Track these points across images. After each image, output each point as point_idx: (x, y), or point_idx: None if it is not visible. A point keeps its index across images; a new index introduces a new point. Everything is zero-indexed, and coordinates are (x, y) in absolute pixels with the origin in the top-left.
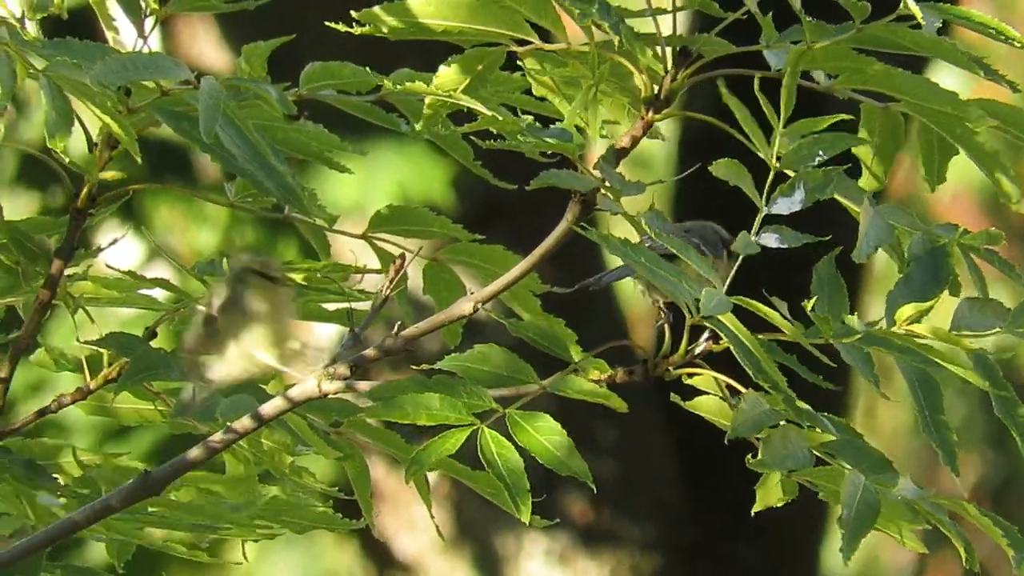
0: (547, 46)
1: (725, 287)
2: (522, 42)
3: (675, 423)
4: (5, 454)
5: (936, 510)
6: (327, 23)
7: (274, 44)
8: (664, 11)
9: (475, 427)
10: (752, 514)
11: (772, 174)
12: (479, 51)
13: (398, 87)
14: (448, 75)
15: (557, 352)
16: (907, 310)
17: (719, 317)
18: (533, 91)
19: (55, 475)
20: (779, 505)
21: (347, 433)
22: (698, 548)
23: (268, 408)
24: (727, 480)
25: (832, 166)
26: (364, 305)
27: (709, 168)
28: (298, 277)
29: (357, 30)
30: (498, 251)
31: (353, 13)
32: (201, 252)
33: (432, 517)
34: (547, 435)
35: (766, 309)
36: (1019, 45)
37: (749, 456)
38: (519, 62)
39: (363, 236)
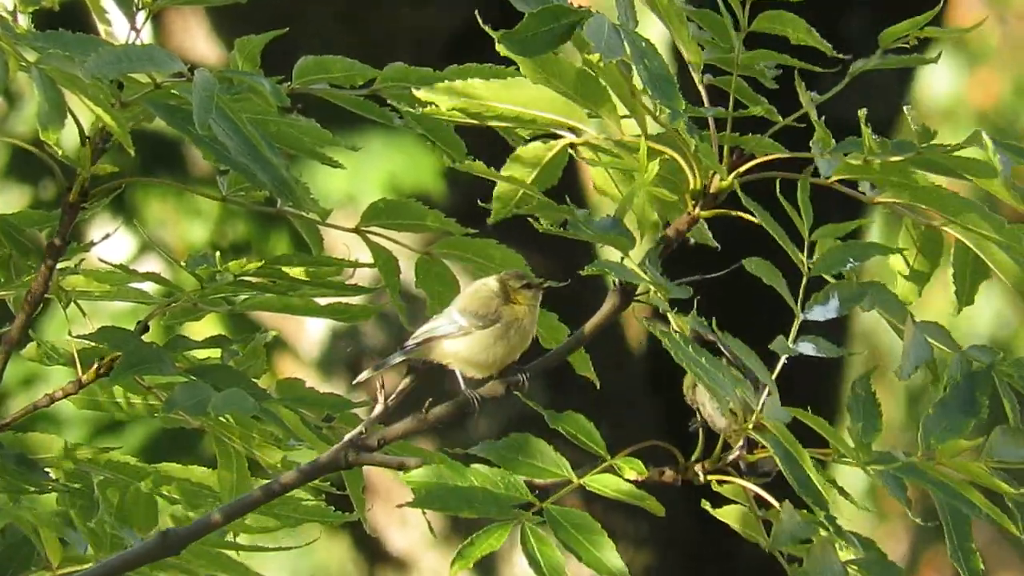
0: (602, 138)
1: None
2: (573, 130)
3: (670, 420)
4: None
5: None
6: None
7: (267, 37)
8: (724, 113)
9: (518, 522)
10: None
11: (805, 279)
12: (540, 146)
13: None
14: (517, 163)
15: (591, 448)
16: (951, 447)
17: (772, 428)
18: (593, 184)
19: (47, 469)
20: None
21: (339, 428)
22: (693, 545)
23: (287, 478)
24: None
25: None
26: (358, 299)
27: (745, 266)
28: (292, 272)
29: (419, 110)
30: (490, 244)
31: (415, 92)
32: (193, 246)
33: (424, 513)
34: (585, 534)
35: (822, 422)
36: None
37: (794, 568)
38: (571, 151)
39: (356, 230)
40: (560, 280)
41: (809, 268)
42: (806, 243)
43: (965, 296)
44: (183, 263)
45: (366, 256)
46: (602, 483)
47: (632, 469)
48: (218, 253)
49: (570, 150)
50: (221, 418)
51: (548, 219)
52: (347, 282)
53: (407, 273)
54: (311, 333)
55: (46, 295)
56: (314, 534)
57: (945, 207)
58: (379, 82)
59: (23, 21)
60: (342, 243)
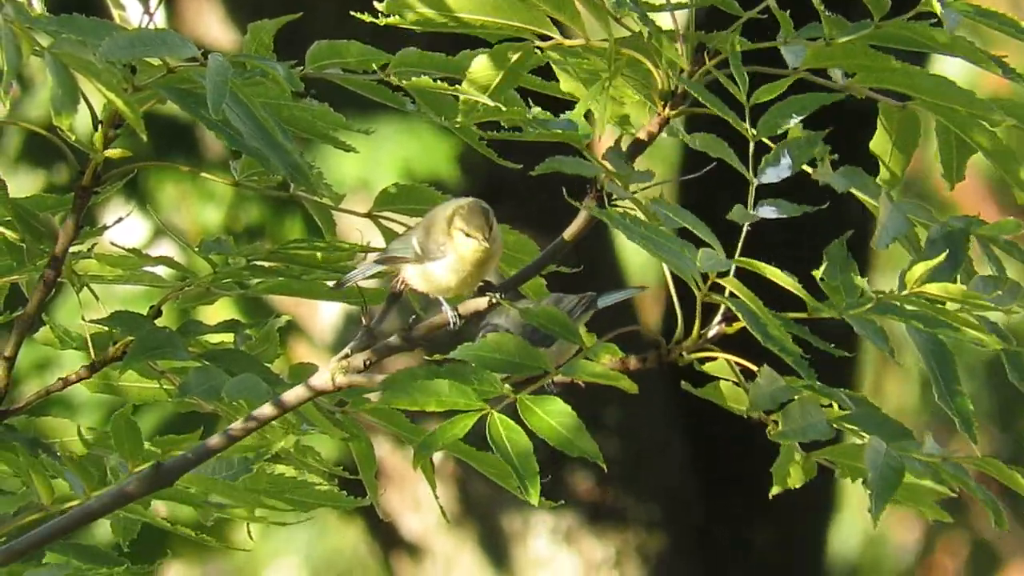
0: (569, 42)
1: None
2: (543, 37)
3: (683, 404)
4: (10, 432)
5: (959, 472)
6: (352, 12)
7: (280, 22)
8: (684, 6)
9: (484, 412)
10: (769, 496)
11: (752, 145)
12: (508, 46)
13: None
14: (480, 70)
15: (568, 337)
16: (917, 269)
17: (725, 282)
18: (562, 86)
19: (60, 453)
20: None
21: (352, 413)
22: (705, 529)
23: (289, 396)
24: (735, 461)
25: (849, 164)
26: (370, 283)
27: (698, 144)
28: (304, 256)
29: (382, 20)
30: (504, 230)
31: (377, 4)
32: (206, 230)
33: (436, 497)
34: (557, 417)
35: (771, 270)
36: None
37: (770, 427)
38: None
39: (369, 215)
40: (573, 266)
41: (754, 134)
42: (746, 108)
43: (955, 172)
44: (196, 247)
45: (379, 241)
46: (578, 369)
47: (608, 354)
48: (231, 237)
49: (539, 52)
50: (234, 403)
51: (500, 119)
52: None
53: None
54: (325, 318)
55: (59, 279)
56: (327, 527)
57: (915, 85)
58: (392, 67)
59: (37, 5)
60: (355, 228)
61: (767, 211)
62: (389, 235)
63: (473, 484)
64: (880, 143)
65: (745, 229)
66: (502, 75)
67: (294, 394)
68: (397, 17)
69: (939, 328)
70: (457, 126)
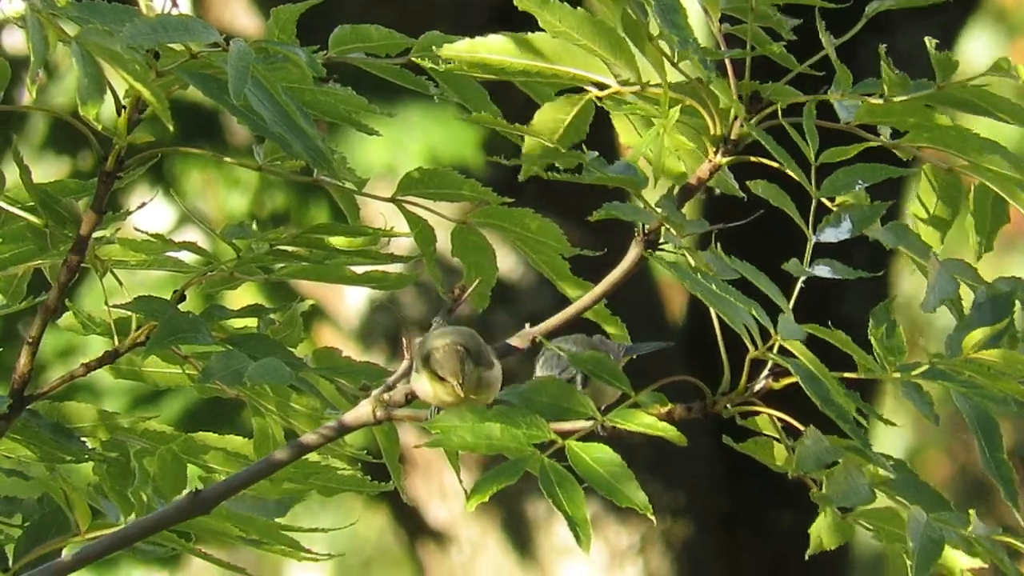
0: (625, 89)
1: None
2: (598, 85)
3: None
4: (34, 417)
5: (995, 547)
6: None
7: (303, 7)
8: (740, 54)
9: (536, 458)
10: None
11: (814, 203)
12: (567, 99)
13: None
14: (543, 120)
15: (615, 384)
16: (976, 335)
17: (788, 345)
18: (620, 139)
19: (83, 439)
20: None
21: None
22: (730, 516)
23: (322, 432)
24: None
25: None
26: (395, 268)
27: (760, 190)
28: (327, 241)
29: (443, 66)
30: (528, 214)
31: (435, 49)
32: (232, 216)
33: (461, 483)
34: (607, 466)
35: (838, 335)
36: None
37: (814, 490)
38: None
39: (392, 199)
40: (597, 249)
41: (816, 191)
42: (812, 168)
43: (985, 240)
44: (220, 232)
45: (403, 226)
46: (625, 418)
47: (657, 404)
48: (255, 222)
49: (597, 102)
50: (257, 388)
51: (563, 165)
52: (383, 251)
53: (443, 243)
54: (350, 303)
55: (83, 264)
56: (352, 516)
57: (965, 147)
58: (415, 51)
59: None
60: (380, 212)
61: (822, 270)
62: (413, 220)
63: None
64: (919, 207)
65: (799, 287)
66: (566, 126)
67: (328, 430)
68: (454, 64)
69: (988, 399)
70: (476, 116)
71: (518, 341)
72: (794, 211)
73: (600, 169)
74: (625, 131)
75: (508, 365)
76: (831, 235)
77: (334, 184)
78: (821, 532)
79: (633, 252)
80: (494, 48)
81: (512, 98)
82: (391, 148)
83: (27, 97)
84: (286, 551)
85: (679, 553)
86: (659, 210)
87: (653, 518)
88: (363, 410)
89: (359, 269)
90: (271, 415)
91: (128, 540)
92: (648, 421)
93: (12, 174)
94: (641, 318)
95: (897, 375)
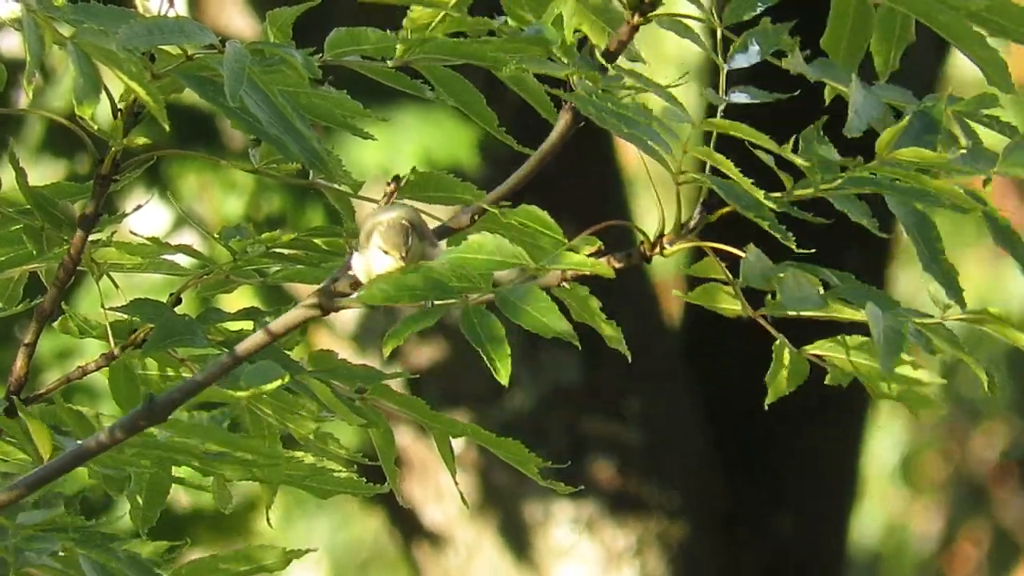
0: None
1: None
2: None
3: (703, 392)
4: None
5: (952, 339)
6: None
7: (299, 9)
8: None
9: (463, 302)
10: (791, 482)
11: (719, 31)
12: None
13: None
14: None
15: (551, 236)
16: (885, 135)
17: (703, 156)
18: (505, 12)
19: (78, 441)
20: (810, 472)
21: (372, 400)
22: (726, 517)
23: (279, 322)
24: (756, 449)
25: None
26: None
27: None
28: (324, 243)
29: None
30: (530, 212)
31: None
32: (228, 219)
33: (457, 485)
34: (533, 303)
35: (750, 130)
36: None
37: (768, 297)
38: None
39: (387, 201)
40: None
41: (720, 20)
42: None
43: (892, 59)
44: (216, 235)
45: None
46: (561, 260)
47: (588, 244)
48: (251, 225)
49: None
50: (254, 390)
51: (465, 30)
52: None
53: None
54: None
55: (78, 267)
56: (348, 518)
57: None
58: (409, 54)
59: None
60: None
61: (739, 96)
62: None
63: (494, 473)
64: (831, 41)
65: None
66: None
67: (283, 321)
68: None
69: (919, 197)
70: (477, 112)
71: (455, 222)
72: (704, 44)
73: (510, 33)
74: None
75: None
76: (742, 60)
77: (330, 187)
78: (778, 376)
79: (563, 118)
80: None
81: (507, 100)
82: (386, 150)
83: (23, 100)
84: (252, 463)
85: (676, 555)
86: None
87: (578, 344)
88: (309, 303)
89: None
90: (267, 417)
91: (88, 454)
92: (578, 259)
93: (8, 177)
94: (637, 320)
95: (823, 189)
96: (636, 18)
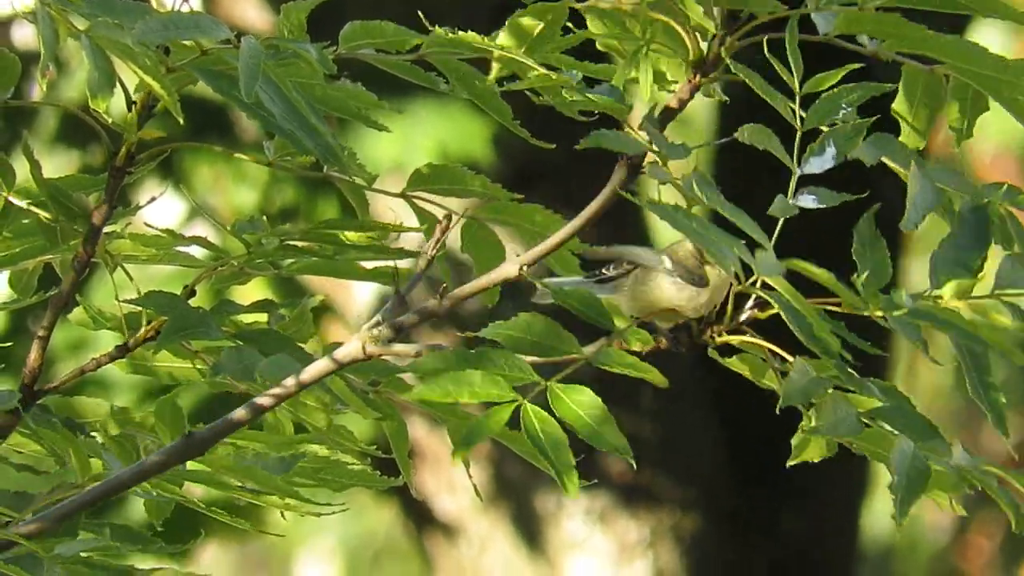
0: (603, 3)
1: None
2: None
3: (716, 387)
4: (44, 412)
5: (986, 476)
6: None
7: (313, 3)
8: None
9: (518, 403)
10: (802, 479)
11: (799, 134)
12: (541, 7)
13: (447, 37)
14: (513, 30)
15: (599, 322)
16: (950, 288)
17: (769, 280)
18: (598, 45)
19: (93, 433)
20: (821, 466)
21: (386, 392)
22: (740, 511)
23: (312, 370)
24: (768, 444)
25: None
26: (404, 264)
27: (746, 137)
28: (337, 236)
29: None
30: (536, 210)
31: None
32: (241, 211)
33: (470, 477)
34: (586, 408)
35: (819, 272)
36: None
37: (802, 424)
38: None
39: (402, 195)
40: (603, 244)
41: (802, 120)
42: (797, 96)
43: (966, 129)
44: (230, 228)
45: (413, 221)
46: (608, 358)
47: (638, 340)
48: (265, 217)
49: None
50: (268, 382)
51: (540, 86)
52: (393, 247)
53: (453, 238)
54: (359, 298)
55: (93, 259)
56: (361, 510)
57: (945, 51)
58: (425, 47)
59: None
60: (389, 208)
61: (807, 201)
62: (423, 215)
63: (507, 465)
64: (902, 106)
65: (781, 221)
66: (538, 32)
67: (324, 364)
68: None
69: (972, 341)
70: (491, 105)
71: (511, 269)
72: (780, 148)
73: (584, 93)
74: (604, 40)
75: (483, 308)
76: (816, 165)
77: (344, 180)
78: (802, 447)
79: (617, 176)
80: None
81: (520, 96)
82: (400, 144)
83: (37, 92)
84: (288, 504)
85: (688, 547)
86: (643, 136)
87: (633, 463)
88: (353, 346)
89: (368, 264)
90: (282, 410)
91: (124, 485)
92: (630, 361)
93: (22, 169)
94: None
95: (879, 313)
96: (697, 78)
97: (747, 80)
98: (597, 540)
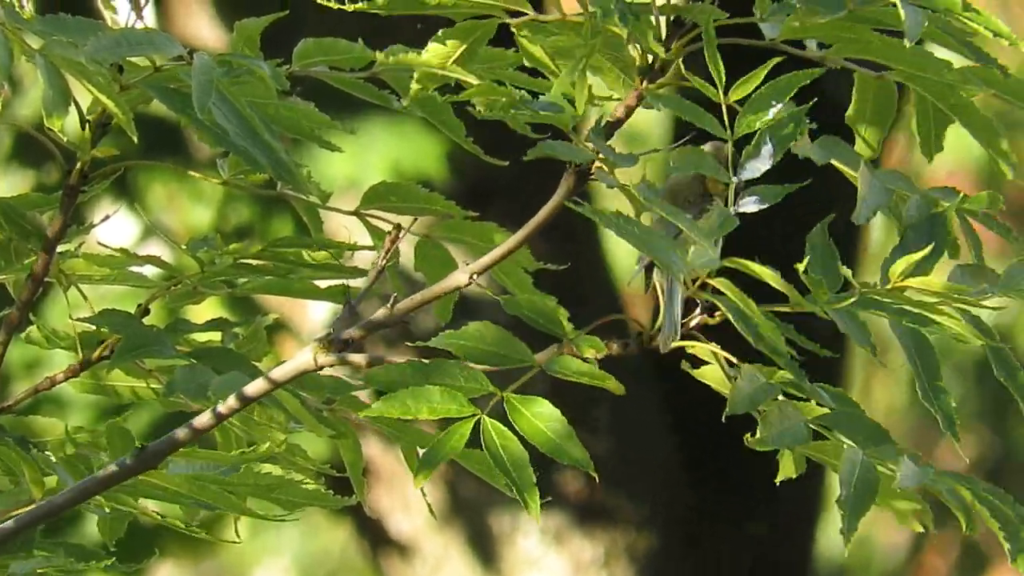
0: (542, 17)
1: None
2: (516, 14)
3: (671, 402)
4: None
5: (935, 482)
6: (320, 0)
7: (266, 21)
8: None
9: (477, 417)
10: (759, 493)
11: (730, 144)
12: (471, 23)
13: (390, 59)
14: (440, 48)
15: (551, 329)
16: (899, 265)
17: (714, 282)
18: (525, 62)
19: (47, 452)
20: (777, 484)
21: (340, 411)
22: (694, 528)
23: (261, 383)
24: (724, 459)
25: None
26: (358, 282)
27: (673, 162)
28: (291, 254)
29: (349, 7)
30: (491, 228)
31: None
32: (196, 229)
33: (425, 496)
34: (546, 421)
35: (760, 269)
36: (1010, 42)
37: (748, 435)
38: (515, 34)
39: (356, 212)
40: (559, 264)
41: (733, 130)
42: (723, 105)
43: (932, 143)
44: (184, 246)
45: (366, 239)
46: (561, 365)
47: (591, 347)
48: (219, 236)
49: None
50: (221, 401)
51: (483, 98)
52: (347, 265)
53: (407, 256)
54: (313, 316)
55: (46, 278)
56: (315, 529)
57: (892, 56)
58: (379, 64)
59: (27, 7)
60: (343, 226)
61: (748, 204)
62: (377, 233)
63: (462, 483)
64: (856, 114)
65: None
66: (463, 47)
67: (275, 374)
68: (364, 3)
69: (922, 325)
70: (444, 122)
71: (461, 278)
72: (715, 170)
73: (528, 106)
74: (537, 55)
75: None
76: (753, 169)
77: (298, 198)
78: (785, 463)
79: (564, 185)
80: None
81: (472, 114)
82: (354, 161)
83: None
84: (239, 511)
85: (643, 566)
86: (591, 146)
87: (596, 475)
88: (303, 357)
89: (323, 283)
90: (234, 428)
91: (76, 500)
92: (584, 368)
93: None
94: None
95: (829, 306)
96: (644, 85)
97: (691, 80)
98: (552, 560)
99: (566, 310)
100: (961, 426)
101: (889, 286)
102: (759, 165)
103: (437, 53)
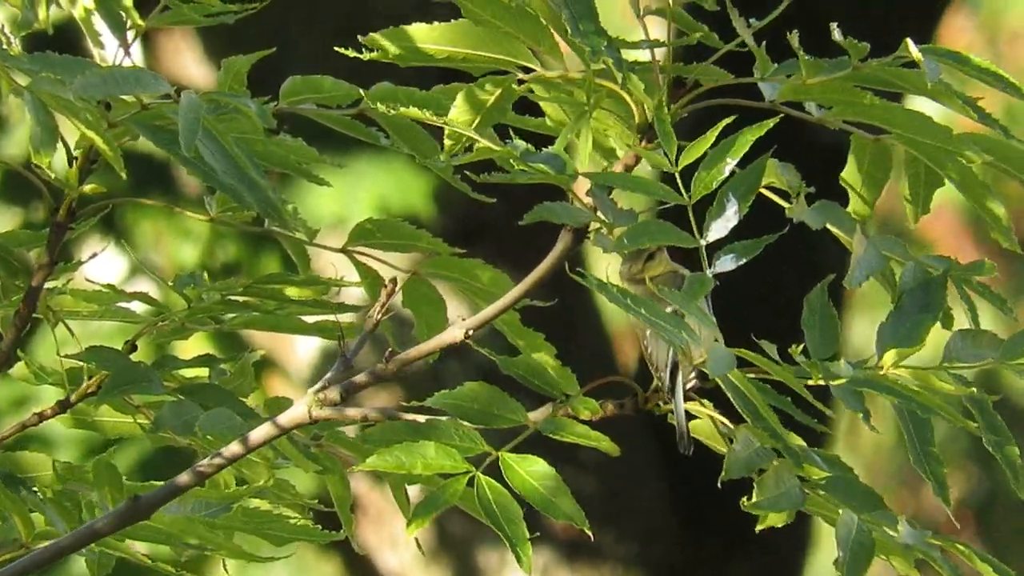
0: (549, 73)
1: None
2: (524, 68)
3: (660, 441)
4: None
5: (929, 547)
6: (336, 48)
7: (253, 58)
8: (660, 44)
9: (472, 474)
10: (745, 533)
11: (690, 209)
12: (488, 79)
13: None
14: (461, 107)
15: (547, 391)
16: (890, 356)
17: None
18: (548, 120)
19: (35, 489)
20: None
21: (328, 447)
22: (681, 566)
23: (257, 434)
24: (713, 498)
25: (822, 198)
26: (346, 318)
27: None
28: (278, 291)
29: (366, 56)
30: (477, 264)
31: (360, 38)
32: (183, 266)
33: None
34: (540, 479)
35: (761, 359)
36: (1017, 94)
37: (744, 499)
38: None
39: (343, 250)
40: (547, 300)
41: (689, 195)
42: (676, 171)
43: (921, 204)
44: (171, 283)
45: (353, 275)
46: (557, 427)
47: (587, 409)
48: (206, 273)
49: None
50: (209, 436)
51: (488, 157)
52: (334, 301)
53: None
54: (300, 352)
55: (34, 315)
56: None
57: (891, 120)
58: (366, 102)
59: (15, 44)
60: (330, 263)
61: (725, 263)
62: (363, 270)
63: (450, 520)
64: (851, 175)
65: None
66: (485, 110)
67: (268, 428)
68: (379, 52)
69: (915, 407)
70: (431, 161)
71: (457, 334)
72: (678, 236)
73: (524, 163)
74: (554, 114)
75: (427, 365)
76: (719, 229)
77: (285, 234)
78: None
79: (561, 243)
80: (419, 36)
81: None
82: (341, 198)
83: None
84: (228, 552)
85: None
86: (589, 201)
87: (590, 532)
88: (298, 410)
89: (310, 319)
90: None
91: (67, 549)
92: (580, 430)
93: None
94: (592, 368)
95: (822, 382)
96: (643, 143)
97: (651, 162)
98: None
99: (554, 347)
100: (948, 463)
101: (884, 371)
102: (726, 223)
103: (461, 112)
